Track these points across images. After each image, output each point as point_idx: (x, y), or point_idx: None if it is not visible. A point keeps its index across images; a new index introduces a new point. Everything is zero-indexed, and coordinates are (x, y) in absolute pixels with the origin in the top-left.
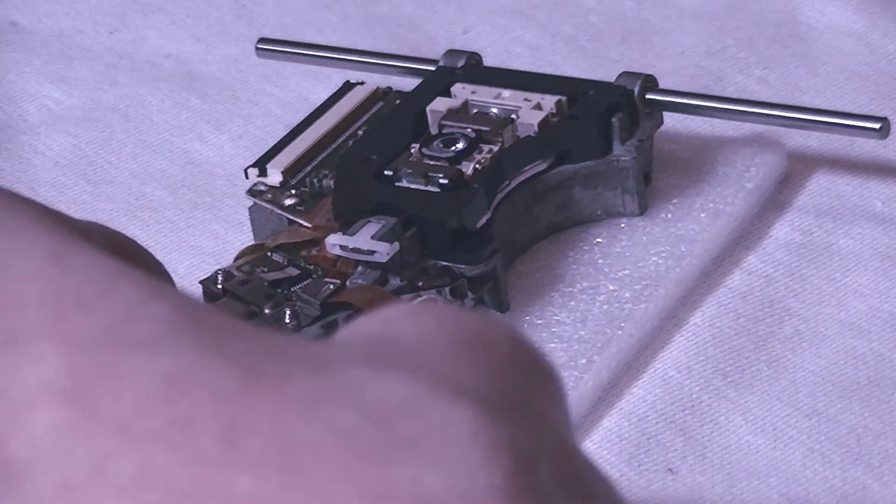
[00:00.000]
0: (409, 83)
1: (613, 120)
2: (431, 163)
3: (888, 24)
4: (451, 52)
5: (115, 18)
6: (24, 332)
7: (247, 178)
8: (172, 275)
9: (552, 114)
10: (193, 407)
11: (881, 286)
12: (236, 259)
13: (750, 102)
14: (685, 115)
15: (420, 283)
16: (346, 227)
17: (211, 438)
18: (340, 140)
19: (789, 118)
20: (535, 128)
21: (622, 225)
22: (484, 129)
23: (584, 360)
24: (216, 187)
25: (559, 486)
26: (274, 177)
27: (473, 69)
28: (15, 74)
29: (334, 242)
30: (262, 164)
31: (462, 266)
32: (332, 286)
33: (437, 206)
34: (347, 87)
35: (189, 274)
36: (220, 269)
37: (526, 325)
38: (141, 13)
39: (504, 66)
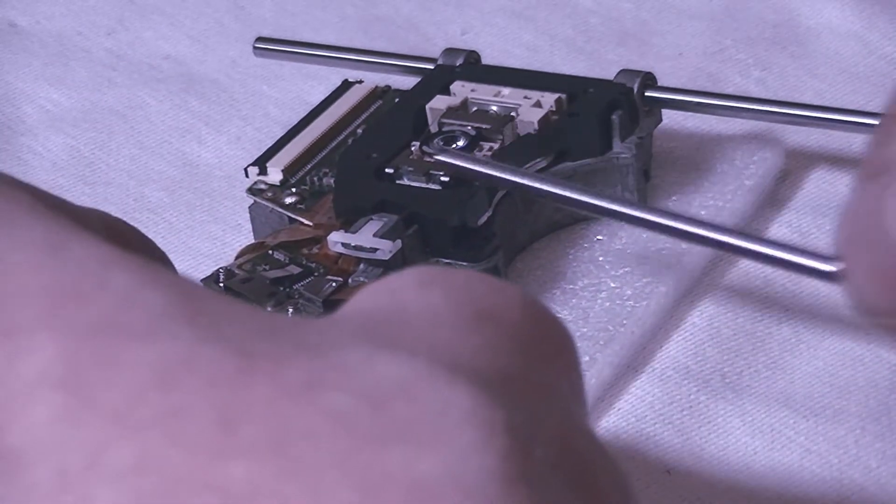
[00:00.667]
0: (407, 82)
1: (613, 117)
2: (432, 160)
3: (887, 25)
4: (450, 51)
5: (114, 20)
6: (21, 324)
7: (247, 176)
8: None
9: (552, 111)
10: (188, 395)
11: None
12: (237, 257)
13: (749, 99)
14: (684, 114)
15: None
16: (348, 224)
17: (206, 426)
18: (340, 138)
19: (788, 115)
20: (536, 125)
21: (622, 222)
22: (484, 126)
23: (586, 358)
24: (214, 188)
25: (556, 470)
26: (274, 175)
27: (472, 67)
28: (13, 76)
29: (336, 240)
30: (262, 163)
31: (464, 263)
32: (334, 284)
33: (438, 204)
34: (346, 85)
35: (187, 275)
36: (221, 268)
37: None
38: (139, 14)
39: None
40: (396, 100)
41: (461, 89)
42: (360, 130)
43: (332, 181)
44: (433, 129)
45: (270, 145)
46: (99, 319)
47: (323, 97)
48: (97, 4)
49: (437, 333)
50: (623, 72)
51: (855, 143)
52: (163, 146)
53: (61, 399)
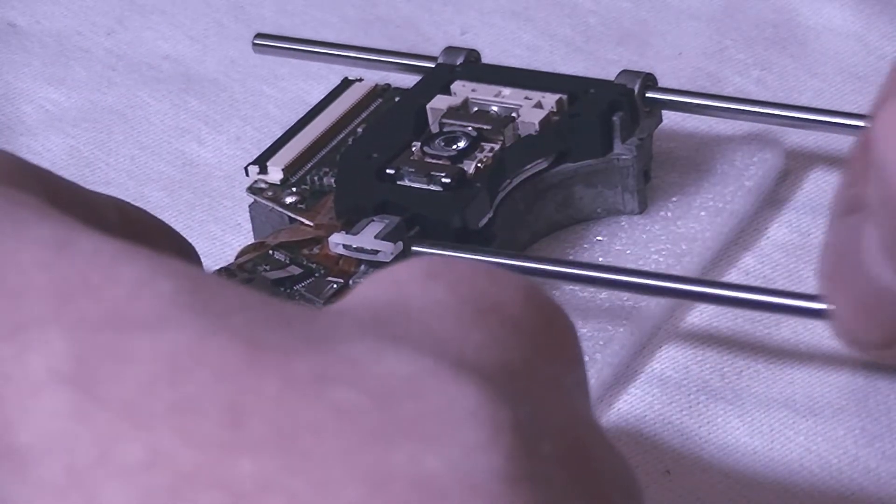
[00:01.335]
0: (407, 80)
1: (614, 119)
2: (433, 161)
3: (886, 26)
4: (450, 49)
5: (113, 20)
6: (30, 320)
7: (247, 175)
8: None
9: (553, 112)
10: (196, 388)
11: None
12: (237, 257)
13: (750, 101)
14: (684, 114)
15: None
16: (349, 225)
17: (214, 420)
18: (340, 137)
19: (789, 117)
20: (537, 126)
21: (622, 223)
22: (485, 127)
23: (586, 358)
24: (214, 188)
25: (562, 467)
26: (274, 174)
27: (472, 66)
28: (12, 76)
29: (338, 242)
30: (262, 162)
31: None
32: (335, 285)
33: (440, 206)
34: (346, 83)
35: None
36: (222, 268)
37: None
38: (139, 14)
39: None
40: (396, 98)
41: (462, 89)
42: (360, 129)
43: (332, 181)
44: (434, 129)
45: (270, 144)
46: (107, 314)
47: (323, 97)
48: (97, 4)
49: (442, 328)
50: (624, 72)
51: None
52: (162, 146)
53: (70, 394)
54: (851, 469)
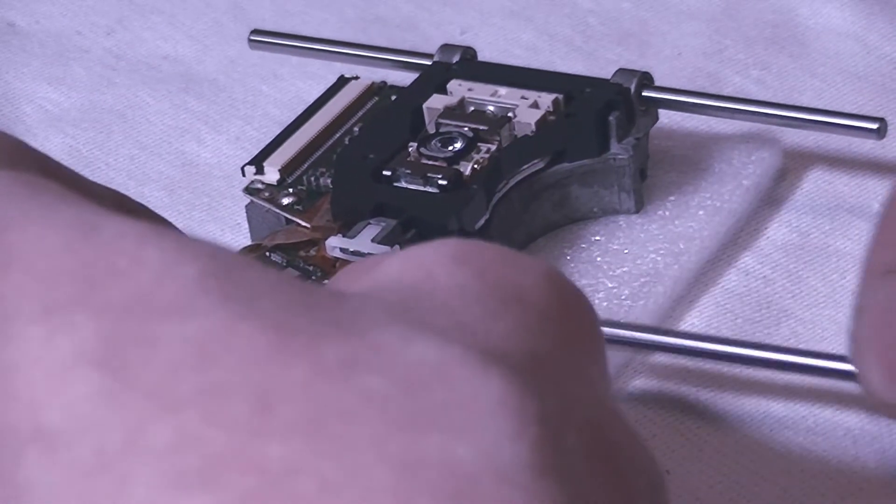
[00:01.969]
0: (403, 77)
1: (610, 118)
2: (429, 163)
3: (886, 26)
4: (446, 47)
5: (113, 20)
6: (58, 303)
7: (244, 175)
8: None
9: (549, 112)
10: (224, 373)
11: None
12: None
13: (747, 101)
14: (681, 113)
15: None
16: (345, 227)
17: (243, 405)
18: (337, 136)
19: (787, 117)
20: (533, 127)
21: (620, 222)
22: (481, 128)
23: None
24: (214, 188)
25: (587, 458)
26: (271, 175)
27: (469, 64)
28: (12, 75)
29: (335, 245)
30: (258, 162)
31: None
32: None
33: (436, 208)
34: (342, 81)
35: None
36: None
37: None
38: (138, 14)
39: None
40: (393, 97)
41: (458, 88)
42: (356, 128)
43: (329, 181)
44: (430, 129)
45: (266, 144)
46: (134, 298)
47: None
48: (96, 4)
49: (468, 315)
50: (620, 71)
51: (853, 143)
52: (162, 146)
53: (99, 377)
54: (851, 469)
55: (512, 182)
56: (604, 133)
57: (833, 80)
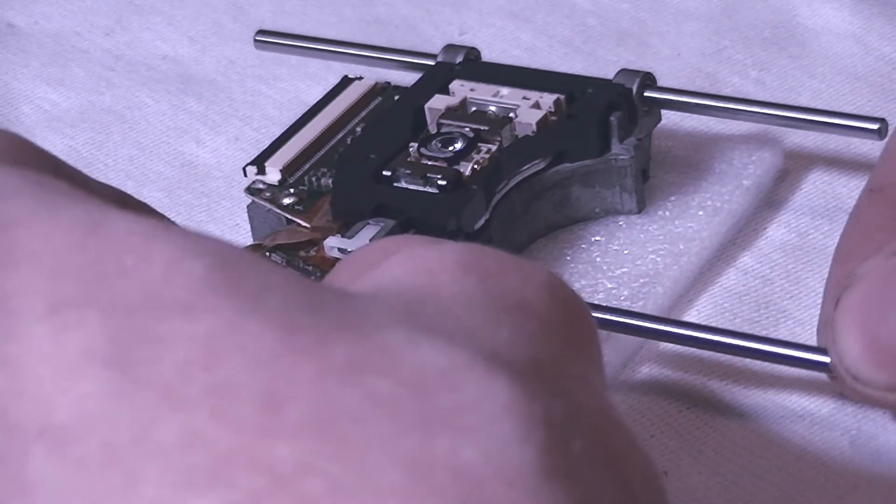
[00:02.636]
0: (406, 78)
1: (611, 119)
2: (430, 163)
3: (885, 26)
4: (450, 47)
5: (112, 20)
6: (66, 301)
7: (245, 175)
8: None
9: (550, 112)
10: (232, 372)
11: None
12: None
13: (749, 102)
14: (682, 113)
15: None
16: (346, 227)
17: (250, 404)
18: (339, 136)
19: (789, 118)
20: (534, 127)
21: (620, 223)
22: (482, 128)
23: None
24: (213, 189)
25: (591, 463)
26: (272, 175)
27: (472, 65)
28: (11, 76)
29: (333, 245)
30: (260, 162)
31: None
32: None
33: (435, 209)
34: (345, 81)
35: None
36: None
37: None
38: (137, 15)
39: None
40: (396, 97)
41: (460, 89)
42: (359, 129)
43: (330, 181)
44: (432, 129)
45: (269, 144)
46: (141, 295)
47: (322, 95)
48: (95, 5)
49: (472, 321)
50: (622, 72)
51: (853, 144)
52: (161, 146)
53: (107, 375)
54: (848, 469)
55: (513, 182)
56: (605, 133)
57: (832, 80)
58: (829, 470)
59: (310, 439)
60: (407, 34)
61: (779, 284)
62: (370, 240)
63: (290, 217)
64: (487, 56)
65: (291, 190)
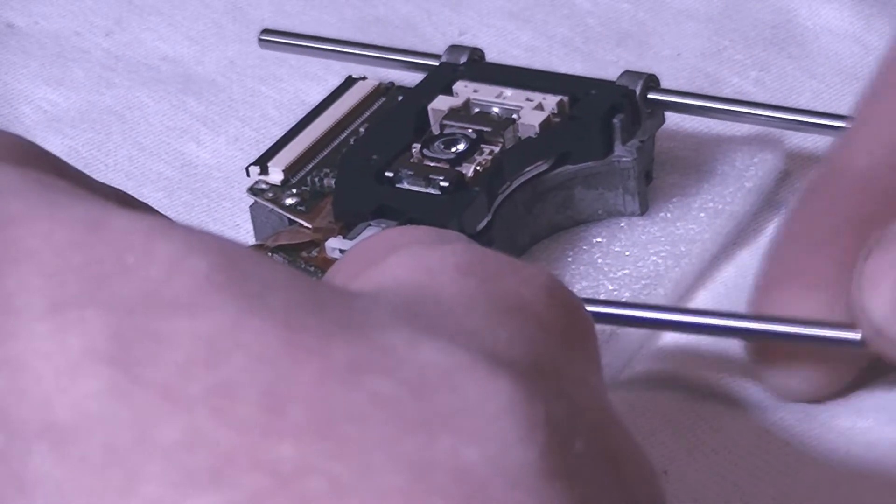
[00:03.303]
0: (410, 78)
1: (614, 121)
2: (432, 164)
3: (884, 27)
4: (454, 48)
5: (112, 20)
6: (67, 299)
7: (248, 175)
8: None
9: (553, 114)
10: (234, 371)
11: None
12: None
13: (753, 104)
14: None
15: None
16: (347, 228)
17: (253, 404)
18: (342, 137)
19: (794, 121)
20: (537, 129)
21: (622, 224)
22: (485, 129)
23: None
24: (213, 189)
25: (592, 463)
26: (275, 175)
27: (476, 65)
28: (10, 76)
29: (334, 246)
30: (263, 162)
31: None
32: None
33: (437, 210)
34: (349, 82)
35: None
36: None
37: None
38: (137, 15)
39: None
40: (400, 98)
41: (464, 89)
42: (362, 129)
43: (332, 182)
44: (435, 130)
45: (272, 144)
46: (143, 294)
47: (322, 98)
48: (95, 5)
49: (473, 322)
50: (626, 73)
51: None
52: (161, 147)
53: (108, 374)
54: (847, 470)
55: (515, 184)
56: (608, 135)
57: (832, 80)
58: (828, 468)
59: (312, 439)
60: (407, 34)
61: None
62: None
63: (292, 218)
64: (487, 56)
65: (294, 190)
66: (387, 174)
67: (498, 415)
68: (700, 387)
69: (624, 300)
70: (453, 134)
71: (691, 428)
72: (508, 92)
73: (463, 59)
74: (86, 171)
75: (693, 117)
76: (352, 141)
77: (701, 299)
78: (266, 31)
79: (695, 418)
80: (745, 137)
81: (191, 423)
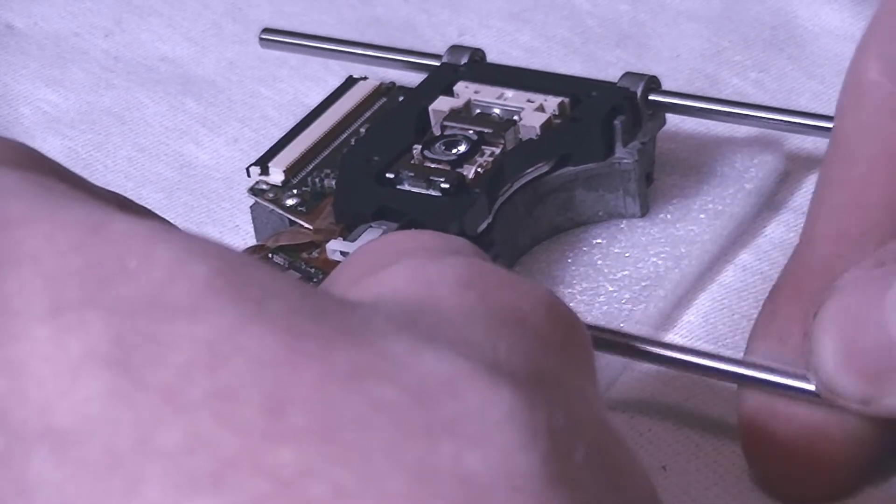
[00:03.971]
0: (411, 78)
1: (615, 122)
2: (433, 166)
3: None
4: (455, 48)
5: (111, 21)
6: (68, 302)
7: (249, 176)
8: None
9: (554, 115)
10: (235, 376)
11: None
12: None
13: (753, 106)
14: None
15: None
16: (348, 230)
17: (254, 408)
18: (343, 137)
19: (796, 123)
20: (538, 130)
21: (622, 226)
22: (486, 131)
23: None
24: (212, 190)
25: (592, 471)
26: (276, 175)
27: (477, 66)
28: (10, 77)
29: (335, 248)
30: (264, 163)
31: None
32: None
33: (438, 212)
34: (350, 82)
35: None
36: None
37: None
38: (136, 16)
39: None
40: (401, 98)
41: (465, 90)
42: (363, 129)
43: (333, 183)
44: (436, 131)
45: (273, 144)
46: (144, 298)
47: (321, 98)
48: (94, 6)
49: (473, 334)
50: (627, 75)
51: None
52: (160, 148)
53: (109, 377)
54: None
55: (516, 185)
56: (609, 137)
57: (831, 81)
58: None
59: (313, 444)
60: (406, 35)
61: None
62: None
63: (292, 218)
64: (486, 57)
65: (295, 191)
66: (387, 175)
67: (500, 422)
68: (700, 384)
69: (621, 304)
70: (454, 135)
71: (692, 426)
72: (509, 93)
73: (464, 60)
74: (85, 172)
75: (691, 119)
76: (352, 141)
77: (701, 300)
78: (267, 31)
79: (695, 416)
80: (745, 139)
81: (192, 427)
